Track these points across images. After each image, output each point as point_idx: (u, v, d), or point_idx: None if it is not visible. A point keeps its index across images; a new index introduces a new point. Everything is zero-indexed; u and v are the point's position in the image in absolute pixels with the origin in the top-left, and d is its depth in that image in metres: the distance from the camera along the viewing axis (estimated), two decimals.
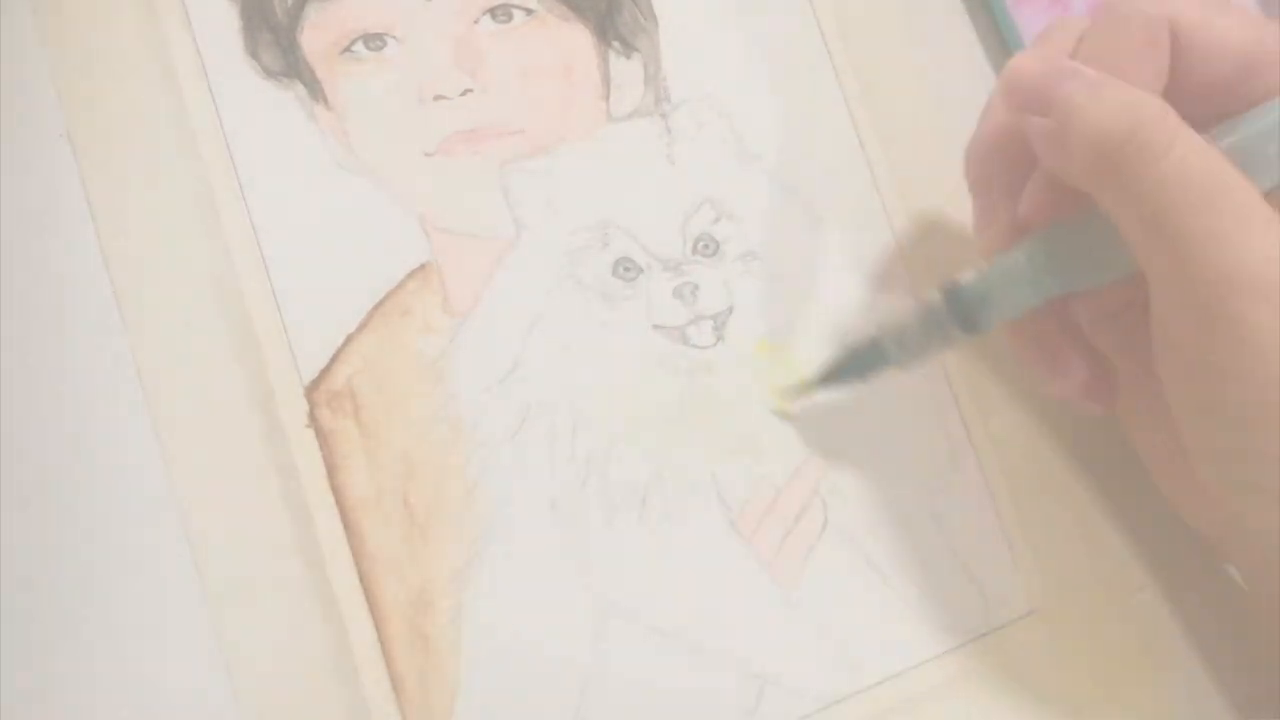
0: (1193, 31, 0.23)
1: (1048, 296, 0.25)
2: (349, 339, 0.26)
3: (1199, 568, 0.30)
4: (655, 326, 0.28)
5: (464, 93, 0.28)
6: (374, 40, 0.27)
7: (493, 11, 0.28)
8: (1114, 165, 0.22)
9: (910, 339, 0.26)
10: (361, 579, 0.25)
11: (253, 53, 0.27)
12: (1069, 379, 0.26)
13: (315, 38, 0.27)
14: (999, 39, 0.33)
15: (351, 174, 0.27)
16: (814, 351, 0.28)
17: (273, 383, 0.25)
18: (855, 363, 0.27)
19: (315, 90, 0.27)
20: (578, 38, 0.29)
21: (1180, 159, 0.21)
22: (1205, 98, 0.24)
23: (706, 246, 0.29)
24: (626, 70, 0.29)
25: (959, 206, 0.30)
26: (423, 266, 0.27)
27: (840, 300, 0.29)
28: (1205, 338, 0.21)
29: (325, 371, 0.26)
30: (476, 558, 0.26)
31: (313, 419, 0.25)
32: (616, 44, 0.29)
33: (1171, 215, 0.21)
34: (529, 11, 0.29)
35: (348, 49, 0.27)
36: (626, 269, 0.28)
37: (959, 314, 0.25)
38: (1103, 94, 0.22)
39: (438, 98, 0.28)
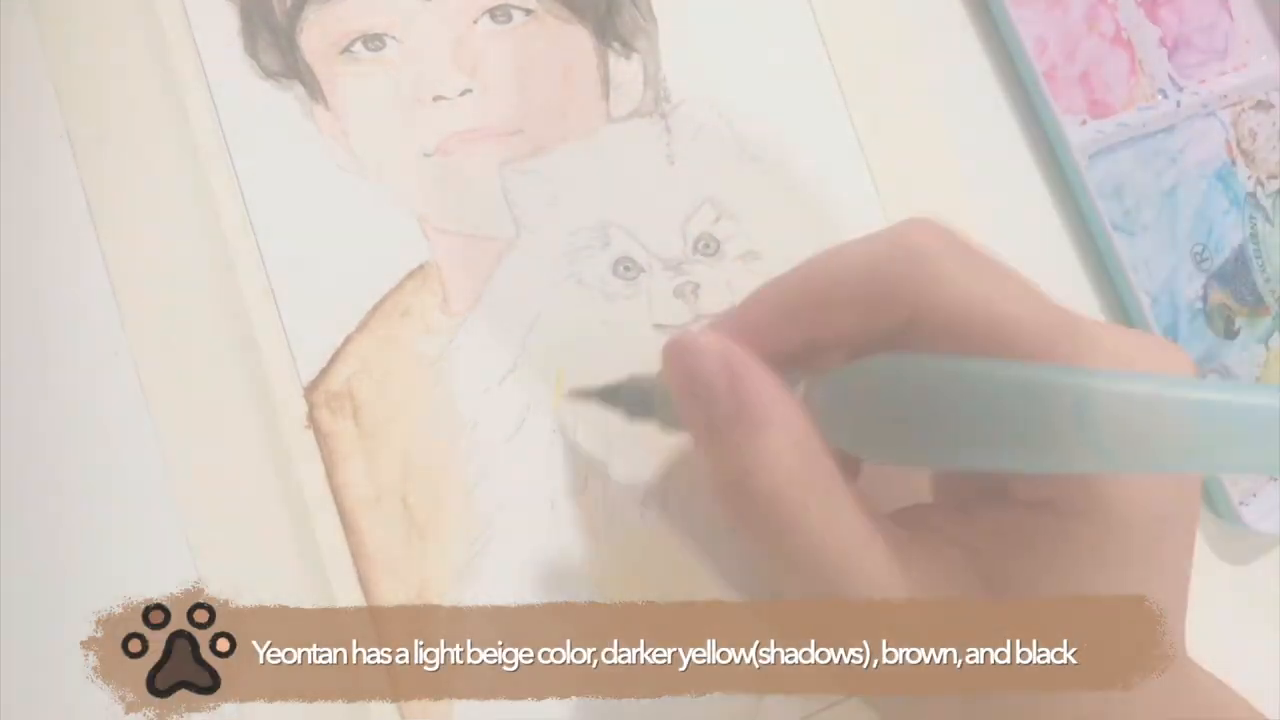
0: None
1: None
2: (348, 339, 0.26)
3: None
4: (656, 326, 0.28)
5: (463, 93, 0.28)
6: (373, 40, 0.27)
7: (492, 12, 0.28)
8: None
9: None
10: (361, 579, 0.25)
11: (252, 53, 0.27)
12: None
13: (314, 38, 0.27)
14: (999, 39, 0.33)
15: (350, 174, 0.27)
16: None
17: (272, 383, 0.25)
18: (623, 398, 0.25)
19: (314, 90, 0.27)
20: (577, 38, 0.29)
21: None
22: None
23: (707, 246, 0.28)
24: (626, 70, 0.29)
25: (958, 206, 0.30)
26: (422, 267, 0.27)
27: None
28: None
29: (324, 372, 0.26)
30: (476, 558, 0.25)
31: (312, 420, 0.25)
32: (616, 44, 0.29)
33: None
34: (528, 12, 0.29)
35: (347, 49, 0.27)
36: (627, 268, 0.28)
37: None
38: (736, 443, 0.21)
39: (437, 98, 0.28)
